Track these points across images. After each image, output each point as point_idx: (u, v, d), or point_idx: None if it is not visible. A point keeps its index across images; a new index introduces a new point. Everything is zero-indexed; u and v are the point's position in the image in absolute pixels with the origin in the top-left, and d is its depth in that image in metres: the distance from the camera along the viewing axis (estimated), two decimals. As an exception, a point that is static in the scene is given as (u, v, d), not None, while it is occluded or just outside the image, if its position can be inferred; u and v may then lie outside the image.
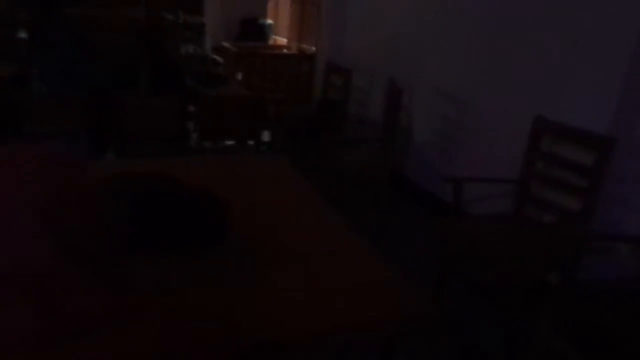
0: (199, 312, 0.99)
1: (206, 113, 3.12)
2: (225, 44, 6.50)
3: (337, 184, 3.68)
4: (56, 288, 0.79)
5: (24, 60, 3.19)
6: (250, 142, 4.02)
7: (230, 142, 3.63)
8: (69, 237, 0.84)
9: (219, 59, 5.80)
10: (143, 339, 0.79)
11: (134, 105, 2.95)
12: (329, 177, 3.57)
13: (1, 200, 0.83)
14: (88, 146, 2.88)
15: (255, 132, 3.50)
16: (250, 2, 7.35)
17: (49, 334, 0.74)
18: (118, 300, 0.84)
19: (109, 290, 0.85)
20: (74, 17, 3.91)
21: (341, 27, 4.94)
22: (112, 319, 0.79)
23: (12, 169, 0.87)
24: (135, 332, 0.79)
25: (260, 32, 7.35)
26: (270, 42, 7.25)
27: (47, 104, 2.73)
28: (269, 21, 7.38)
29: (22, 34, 3.89)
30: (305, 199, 1.85)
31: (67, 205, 0.88)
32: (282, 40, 7.19)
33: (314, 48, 5.78)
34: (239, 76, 4.99)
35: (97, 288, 0.83)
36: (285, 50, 6.76)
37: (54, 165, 0.93)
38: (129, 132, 2.97)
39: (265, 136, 4.38)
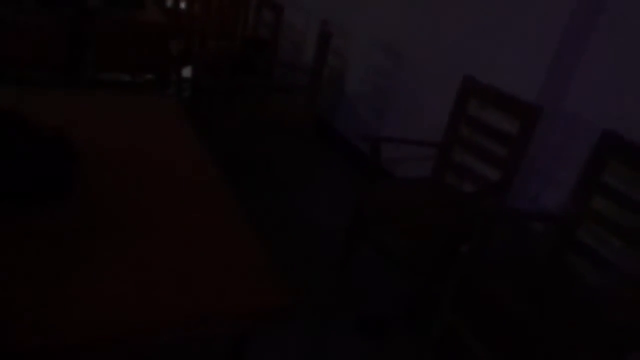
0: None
1: (104, 40, 2.70)
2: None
3: (257, 131, 3.40)
4: None
5: None
6: (171, 79, 3.63)
7: (145, 77, 3.22)
8: None
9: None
10: None
11: (12, 22, 2.48)
12: (250, 124, 3.28)
13: None
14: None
15: (165, 67, 3.11)
16: None
17: None
18: None
19: None
20: None
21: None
22: None
23: None
24: None
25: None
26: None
27: None
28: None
29: None
30: (184, 153, 1.57)
31: None
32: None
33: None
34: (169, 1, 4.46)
35: None
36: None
37: None
38: (11, 55, 2.53)
39: (187, 73, 3.98)
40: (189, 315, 0.94)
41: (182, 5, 4.25)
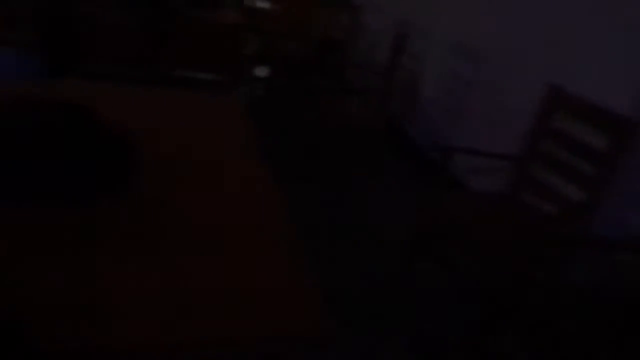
0: None
1: (181, 38, 2.76)
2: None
3: (326, 133, 3.35)
4: None
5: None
6: (244, 78, 3.67)
7: (215, 76, 3.28)
8: None
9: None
10: None
11: (101, 20, 2.60)
12: (320, 125, 3.24)
13: None
14: (45, 61, 2.58)
15: (239, 66, 3.13)
16: None
17: None
18: None
19: None
20: None
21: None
22: None
23: None
24: None
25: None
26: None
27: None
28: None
29: None
30: (240, 156, 1.53)
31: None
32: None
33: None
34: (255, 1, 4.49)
35: None
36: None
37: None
38: (93, 51, 2.65)
39: (262, 72, 4.00)
40: (218, 335, 0.88)
41: (258, 4, 4.30)
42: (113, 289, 0.90)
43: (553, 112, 2.16)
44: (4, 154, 1.16)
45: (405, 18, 3.53)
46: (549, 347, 1.75)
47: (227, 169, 1.43)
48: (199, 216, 1.18)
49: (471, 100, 3.00)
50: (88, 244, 1.00)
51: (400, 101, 3.60)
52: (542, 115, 2.18)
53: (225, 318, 0.90)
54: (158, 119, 1.64)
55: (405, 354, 1.93)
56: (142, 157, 1.35)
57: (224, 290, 0.96)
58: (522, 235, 2.00)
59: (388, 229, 2.67)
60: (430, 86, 3.41)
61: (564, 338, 1.67)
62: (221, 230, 1.14)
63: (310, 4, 4.58)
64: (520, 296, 1.97)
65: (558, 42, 2.39)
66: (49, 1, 2.63)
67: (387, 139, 3.46)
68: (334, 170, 3.29)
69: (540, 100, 2.18)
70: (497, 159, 2.37)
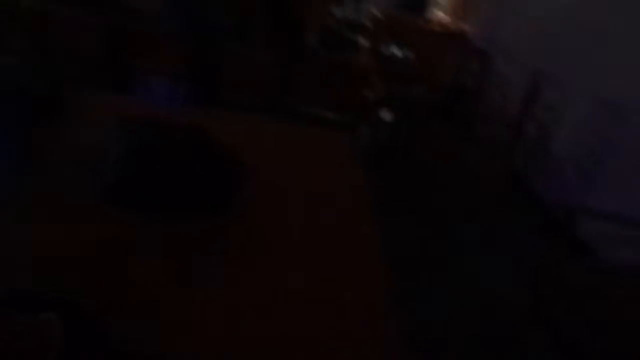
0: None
1: (311, 75, 2.90)
2: (375, 11, 6.17)
3: (446, 180, 3.24)
4: None
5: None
6: (369, 120, 3.72)
7: (340, 116, 3.37)
8: None
9: (369, 25, 5.52)
10: None
11: (239, 55, 2.84)
12: (442, 171, 3.15)
13: None
14: (189, 91, 2.88)
15: (365, 108, 3.19)
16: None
17: None
18: None
19: None
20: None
21: (492, 5, 4.29)
22: None
23: None
24: None
25: (421, 4, 6.89)
26: (430, 16, 6.73)
27: (153, 40, 2.76)
28: (430, -8, 6.86)
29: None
30: (345, 193, 1.53)
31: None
32: (441, 16, 6.62)
33: (467, 26, 5.18)
34: (391, 48, 4.61)
35: None
36: (435, 27, 6.21)
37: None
38: (230, 83, 2.89)
39: (387, 116, 4.03)
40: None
41: (391, 50, 4.38)
42: (212, 297, 0.93)
43: None
44: (137, 170, 1.29)
45: (540, 66, 3.34)
46: None
47: (327, 199, 1.43)
48: (297, 234, 1.19)
49: (608, 157, 2.70)
50: (200, 250, 1.06)
51: (529, 154, 3.37)
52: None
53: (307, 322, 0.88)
54: (272, 147, 1.71)
55: None
56: (250, 179, 1.40)
57: (308, 299, 0.94)
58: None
59: (500, 290, 2.46)
60: (564, 140, 3.14)
61: None
62: (318, 251, 1.14)
63: (441, 51, 4.56)
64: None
65: None
66: (196, 40, 2.95)
67: (511, 191, 3.24)
68: (449, 219, 3.15)
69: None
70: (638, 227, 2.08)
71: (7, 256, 0.95)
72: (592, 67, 2.99)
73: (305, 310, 0.98)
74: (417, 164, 3.44)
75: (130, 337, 0.82)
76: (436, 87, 3.95)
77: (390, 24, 5.49)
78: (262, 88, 2.84)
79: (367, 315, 1.01)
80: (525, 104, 2.85)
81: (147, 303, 0.90)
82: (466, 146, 3.22)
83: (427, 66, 4.28)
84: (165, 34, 2.83)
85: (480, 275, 2.56)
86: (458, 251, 2.76)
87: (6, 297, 0.78)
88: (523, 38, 3.60)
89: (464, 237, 2.92)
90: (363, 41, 5.32)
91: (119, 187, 1.24)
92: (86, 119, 1.54)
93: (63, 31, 2.68)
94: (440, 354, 1.98)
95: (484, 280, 2.53)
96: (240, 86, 2.85)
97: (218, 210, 1.28)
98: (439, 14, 6.82)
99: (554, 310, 1.99)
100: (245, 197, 1.33)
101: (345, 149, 1.88)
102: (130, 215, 1.17)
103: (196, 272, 1.01)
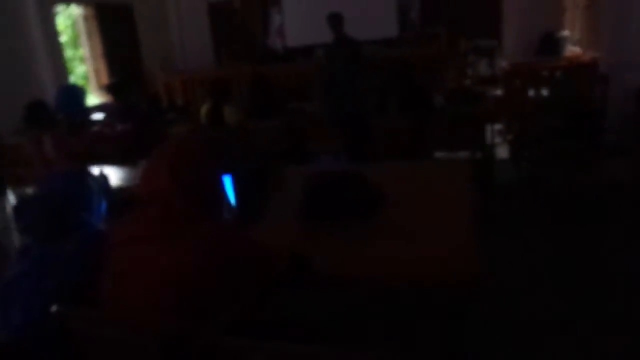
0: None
1: (439, 126, 3.64)
2: (507, 63, 6.70)
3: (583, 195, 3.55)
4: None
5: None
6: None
7: (467, 154, 3.96)
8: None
9: (502, 75, 6.14)
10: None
11: (381, 125, 3.73)
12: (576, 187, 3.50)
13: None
14: (347, 156, 3.85)
15: (484, 145, 3.78)
16: (548, 16, 7.27)
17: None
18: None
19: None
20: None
21: (620, 30, 4.55)
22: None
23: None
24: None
25: (556, 46, 7.12)
26: (566, 53, 6.95)
27: (318, 129, 3.84)
28: (565, 33, 7.10)
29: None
30: (455, 206, 2.15)
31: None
32: (576, 50, 6.81)
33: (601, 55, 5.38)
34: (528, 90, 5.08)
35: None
36: (567, 62, 6.44)
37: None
38: (376, 144, 3.77)
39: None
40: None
41: (519, 93, 4.90)
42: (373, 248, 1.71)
43: None
44: (318, 199, 2.17)
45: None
46: None
47: (439, 208, 2.11)
48: (413, 223, 1.92)
49: None
50: (359, 232, 1.87)
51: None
52: None
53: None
54: (405, 177, 2.48)
55: None
56: (387, 198, 2.17)
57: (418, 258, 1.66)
58: None
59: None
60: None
61: None
62: (429, 233, 1.85)
63: (574, 82, 4.93)
64: None
65: None
66: (347, 122, 3.93)
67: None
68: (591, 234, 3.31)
69: None
70: None
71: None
72: None
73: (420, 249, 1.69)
74: (549, 181, 3.76)
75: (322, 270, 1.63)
76: (563, 113, 4.30)
77: (524, 70, 5.97)
78: (400, 143, 3.65)
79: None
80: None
81: (331, 256, 1.72)
82: (599, 158, 3.52)
83: (560, 98, 4.66)
84: (325, 122, 3.88)
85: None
86: (601, 264, 3.00)
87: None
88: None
89: (607, 246, 3.12)
90: (495, 91, 5.93)
91: (308, 208, 2.13)
92: (287, 177, 2.52)
93: (259, 133, 3.90)
94: None
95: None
96: (384, 145, 3.70)
97: (368, 216, 2.07)
98: (574, 49, 7.00)
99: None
100: (383, 208, 2.11)
101: (463, 176, 2.52)
102: (317, 222, 2.03)
103: (360, 239, 1.81)
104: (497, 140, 4.66)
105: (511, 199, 3.89)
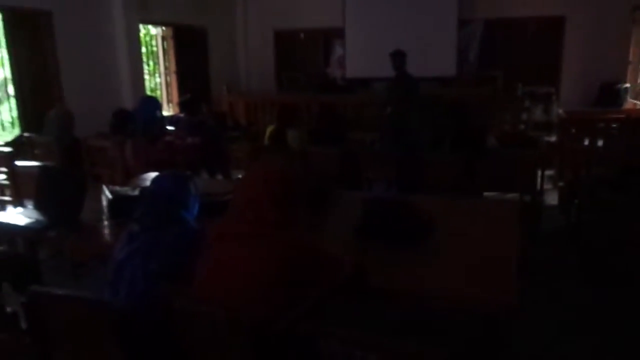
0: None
1: (490, 168, 3.78)
2: (559, 110, 6.77)
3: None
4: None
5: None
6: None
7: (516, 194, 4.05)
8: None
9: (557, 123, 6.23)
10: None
11: (434, 160, 3.91)
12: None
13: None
14: (398, 189, 4.04)
15: (533, 190, 3.87)
16: (610, 67, 7.30)
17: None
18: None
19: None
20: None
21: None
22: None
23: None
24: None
25: (615, 97, 7.11)
26: (626, 106, 6.94)
27: (373, 157, 4.05)
28: (626, 85, 7.09)
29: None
30: (498, 240, 2.31)
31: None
32: (636, 104, 6.79)
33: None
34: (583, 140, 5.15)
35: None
36: (625, 114, 6.43)
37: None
38: (429, 180, 3.94)
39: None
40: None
41: (573, 142, 4.97)
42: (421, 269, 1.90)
43: None
44: (382, 219, 2.36)
45: None
46: None
47: (481, 240, 2.27)
48: (458, 249, 2.08)
49: None
50: (410, 258, 2.05)
51: None
52: None
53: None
54: (454, 210, 2.64)
55: None
56: (436, 226, 2.35)
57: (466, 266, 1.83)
58: None
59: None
60: None
61: None
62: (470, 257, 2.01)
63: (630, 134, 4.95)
64: None
65: None
66: (401, 154, 4.13)
67: None
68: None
69: None
70: None
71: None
72: None
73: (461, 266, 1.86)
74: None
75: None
76: (621, 168, 4.33)
77: (580, 119, 6.02)
78: (450, 179, 3.81)
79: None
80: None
81: (382, 272, 1.91)
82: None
83: (614, 151, 4.70)
84: (380, 153, 4.09)
85: None
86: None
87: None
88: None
89: None
90: (549, 137, 6.01)
91: (365, 227, 2.33)
92: (343, 200, 2.74)
93: (317, 157, 4.15)
94: None
95: None
96: (435, 179, 3.87)
97: (418, 240, 2.25)
98: (634, 102, 6.97)
99: None
100: (432, 236, 2.28)
101: (511, 216, 2.66)
102: (371, 241, 2.23)
103: (409, 260, 1.99)
104: (548, 186, 4.73)
105: (554, 246, 3.95)
